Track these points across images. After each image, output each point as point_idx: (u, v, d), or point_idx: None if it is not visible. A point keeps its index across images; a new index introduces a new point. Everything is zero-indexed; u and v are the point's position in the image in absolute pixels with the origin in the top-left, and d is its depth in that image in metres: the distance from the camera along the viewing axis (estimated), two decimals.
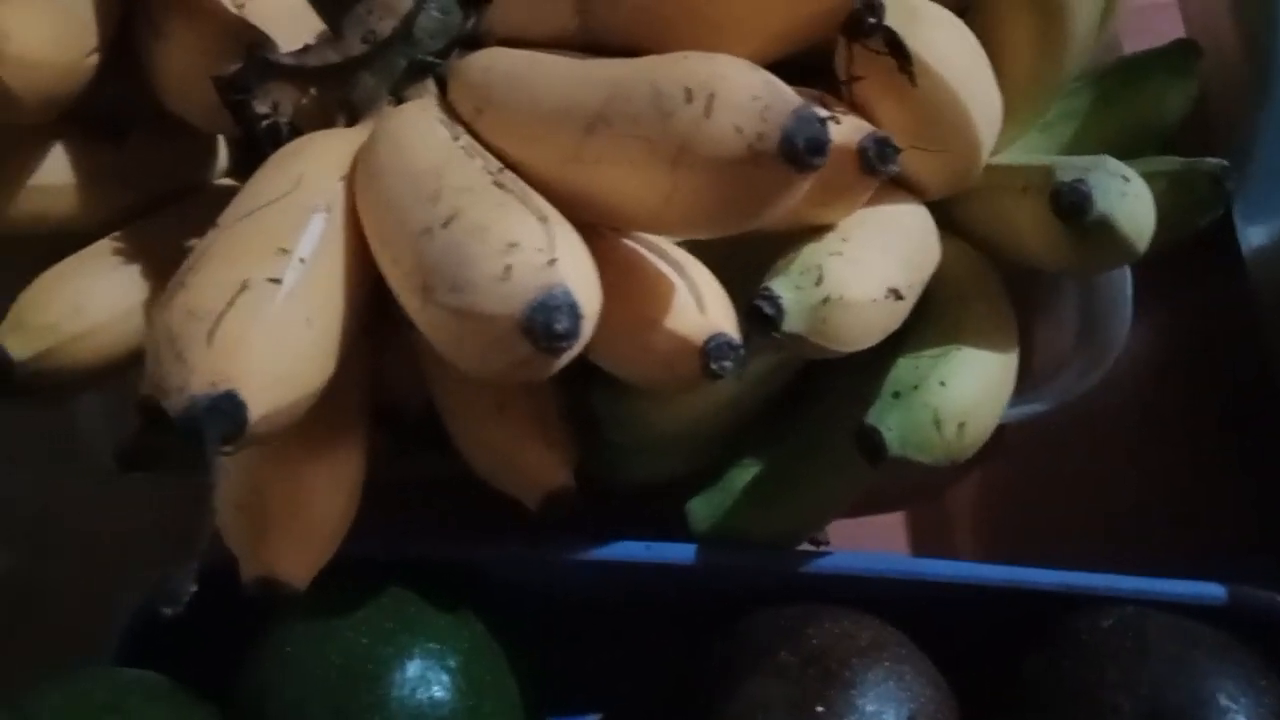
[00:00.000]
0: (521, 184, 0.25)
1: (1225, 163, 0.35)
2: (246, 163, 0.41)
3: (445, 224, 0.23)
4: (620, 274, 0.28)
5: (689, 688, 0.35)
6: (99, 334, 0.35)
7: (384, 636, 0.32)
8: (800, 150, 0.21)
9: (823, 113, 0.22)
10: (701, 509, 0.35)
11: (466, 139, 0.28)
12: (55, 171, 0.36)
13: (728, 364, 0.27)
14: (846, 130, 0.28)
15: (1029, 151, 0.39)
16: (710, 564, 0.35)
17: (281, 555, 0.28)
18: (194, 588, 0.21)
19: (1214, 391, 0.44)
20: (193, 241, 0.37)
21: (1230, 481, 0.42)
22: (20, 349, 0.34)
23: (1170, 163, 0.35)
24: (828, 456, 0.35)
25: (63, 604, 0.44)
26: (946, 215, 0.35)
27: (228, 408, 0.21)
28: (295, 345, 0.23)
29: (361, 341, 0.28)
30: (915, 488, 0.43)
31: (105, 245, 0.36)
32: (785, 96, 0.22)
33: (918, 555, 0.42)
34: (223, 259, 0.24)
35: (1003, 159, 0.36)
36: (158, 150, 0.39)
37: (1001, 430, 0.34)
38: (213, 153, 0.41)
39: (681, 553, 0.35)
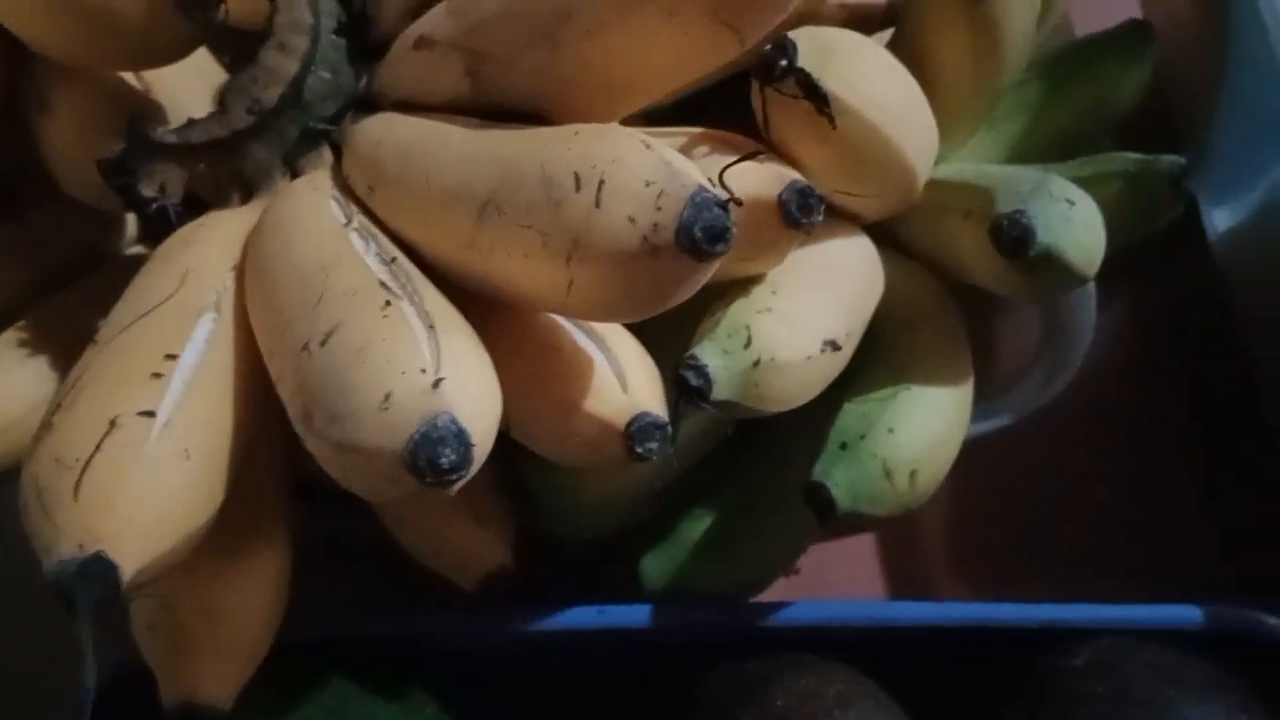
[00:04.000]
0: (415, 276, 0.23)
1: (1182, 160, 0.33)
2: (155, 230, 0.40)
3: (324, 341, 0.21)
4: (537, 354, 0.26)
5: None
6: (11, 431, 0.33)
7: None
8: (699, 241, 0.20)
9: (722, 194, 0.20)
10: (654, 566, 0.34)
11: (360, 219, 0.26)
12: None
13: (653, 445, 0.25)
14: (767, 180, 0.26)
15: (980, 152, 0.37)
16: (666, 623, 0.33)
17: (202, 676, 0.27)
18: None
19: (1184, 386, 0.42)
20: (103, 323, 0.36)
21: (1205, 482, 0.41)
22: None
23: (1126, 161, 0.34)
24: (780, 502, 0.33)
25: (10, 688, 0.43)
26: (889, 234, 0.33)
27: (97, 571, 0.20)
28: (171, 486, 0.21)
29: (275, 420, 0.26)
30: None
31: (10, 336, 0.34)
32: (681, 180, 0.20)
33: (891, 583, 0.40)
34: (93, 391, 0.22)
35: (950, 167, 0.34)
36: (59, 222, 0.36)
37: (968, 444, 0.32)
38: (119, 220, 0.39)
39: (635, 615, 0.33)
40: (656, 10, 0.21)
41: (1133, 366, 0.42)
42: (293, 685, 0.31)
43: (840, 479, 0.28)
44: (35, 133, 0.34)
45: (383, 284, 0.22)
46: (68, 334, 0.35)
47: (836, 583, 0.40)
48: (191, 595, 0.27)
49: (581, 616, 0.33)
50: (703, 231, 0.20)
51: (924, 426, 0.29)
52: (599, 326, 0.27)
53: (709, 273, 0.20)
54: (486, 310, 0.24)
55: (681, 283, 0.21)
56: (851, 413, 0.29)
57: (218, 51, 0.32)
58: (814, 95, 0.25)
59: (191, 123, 0.30)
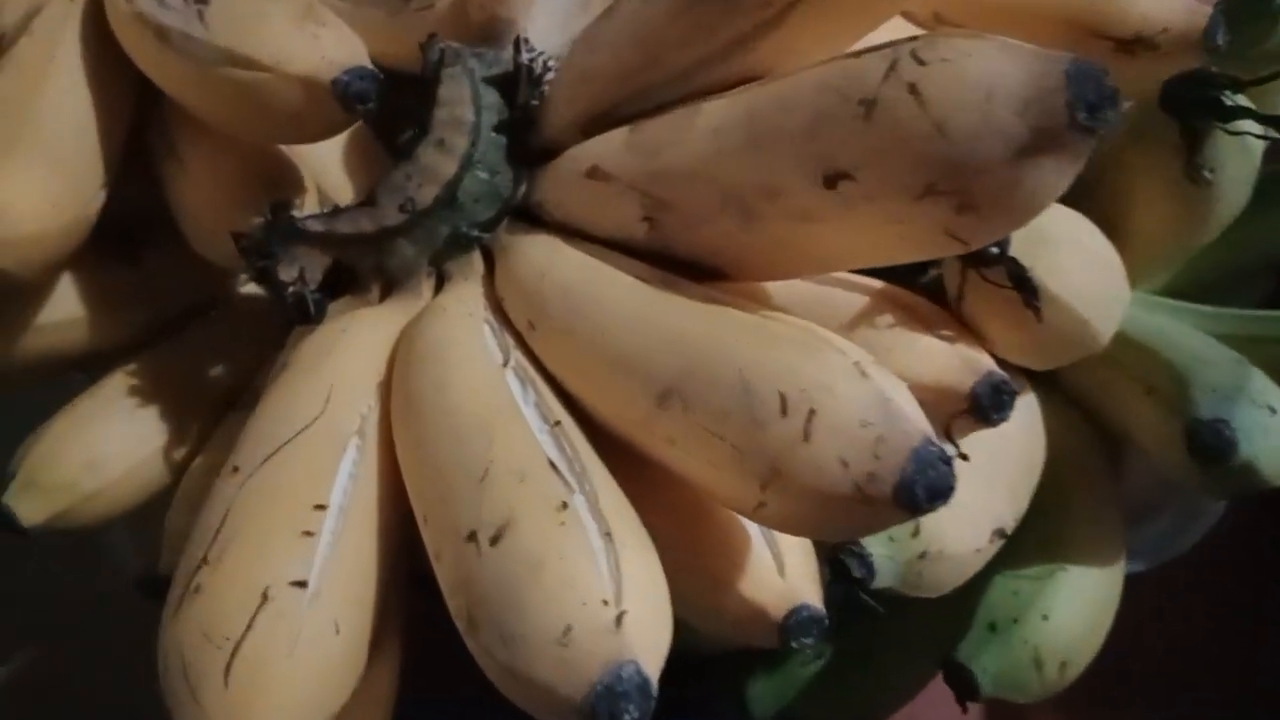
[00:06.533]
0: (582, 451, 0.22)
1: None
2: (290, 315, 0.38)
3: (494, 539, 0.20)
4: (690, 518, 0.24)
5: None
6: (117, 487, 0.33)
7: None
8: (919, 499, 0.18)
9: (949, 448, 0.18)
10: (762, 693, 0.33)
11: (517, 357, 0.24)
12: (65, 305, 0.33)
13: (809, 640, 0.23)
14: (958, 368, 0.24)
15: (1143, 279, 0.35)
16: None
17: None
18: None
19: None
20: (217, 370, 0.35)
21: None
22: (34, 512, 0.32)
23: None
24: (897, 647, 0.32)
25: (77, 706, 0.43)
26: (1052, 378, 0.31)
27: None
28: (321, 669, 0.20)
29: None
30: None
31: (120, 382, 0.34)
32: (903, 426, 0.18)
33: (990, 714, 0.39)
34: (241, 546, 0.21)
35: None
36: (176, 263, 0.35)
37: None
38: None
39: None
40: (880, 215, 0.20)
41: (1257, 522, 0.40)
42: None
43: (988, 664, 0.27)
44: (161, 179, 0.32)
45: (552, 464, 0.21)
46: (177, 381, 0.34)
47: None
48: None
49: None
50: (924, 490, 0.18)
51: (1080, 613, 0.28)
52: None
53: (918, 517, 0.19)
54: (641, 461, 0.23)
55: (885, 525, 0.19)
56: (1002, 589, 0.28)
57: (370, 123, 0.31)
58: (1024, 287, 0.23)
59: (338, 211, 0.28)
